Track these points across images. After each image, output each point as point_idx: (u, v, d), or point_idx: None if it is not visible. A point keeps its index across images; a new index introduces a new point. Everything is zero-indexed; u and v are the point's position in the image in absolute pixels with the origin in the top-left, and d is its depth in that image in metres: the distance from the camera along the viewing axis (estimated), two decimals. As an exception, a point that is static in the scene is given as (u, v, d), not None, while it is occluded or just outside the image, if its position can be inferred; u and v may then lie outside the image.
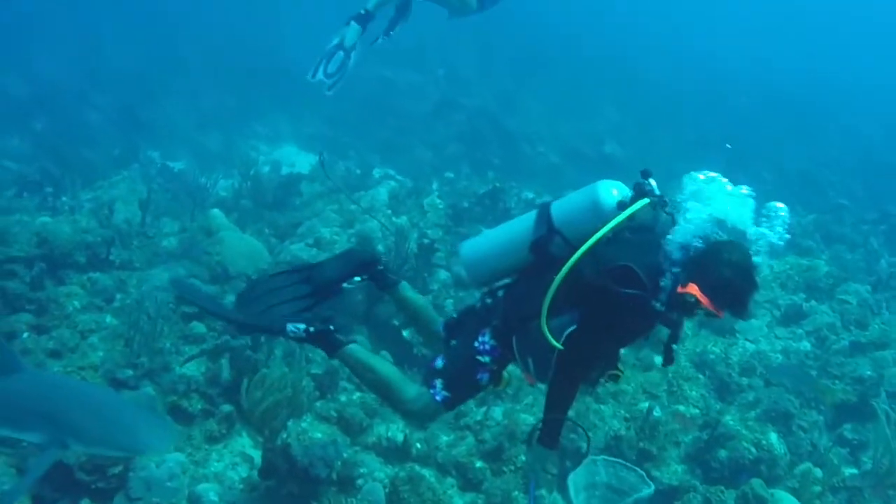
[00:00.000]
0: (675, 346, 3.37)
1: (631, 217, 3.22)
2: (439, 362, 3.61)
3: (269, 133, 15.35)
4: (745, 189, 3.16)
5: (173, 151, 13.45)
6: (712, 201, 3.14)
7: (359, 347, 3.82)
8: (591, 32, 25.14)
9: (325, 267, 4.11)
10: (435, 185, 12.40)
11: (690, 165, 3.47)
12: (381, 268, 4.05)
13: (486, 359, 3.50)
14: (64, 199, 9.63)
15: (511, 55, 21.04)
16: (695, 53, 26.17)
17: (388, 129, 15.99)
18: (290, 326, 3.68)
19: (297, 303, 3.86)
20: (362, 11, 7.00)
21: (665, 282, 3.09)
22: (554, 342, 3.19)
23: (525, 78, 20.47)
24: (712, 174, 3.23)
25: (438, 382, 3.55)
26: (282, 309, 3.76)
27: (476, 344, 3.53)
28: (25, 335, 6.17)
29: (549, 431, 3.41)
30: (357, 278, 4.00)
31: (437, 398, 3.53)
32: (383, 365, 3.82)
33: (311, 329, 3.67)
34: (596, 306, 3.19)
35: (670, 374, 7.58)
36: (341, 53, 7.03)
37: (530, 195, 11.96)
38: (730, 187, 3.16)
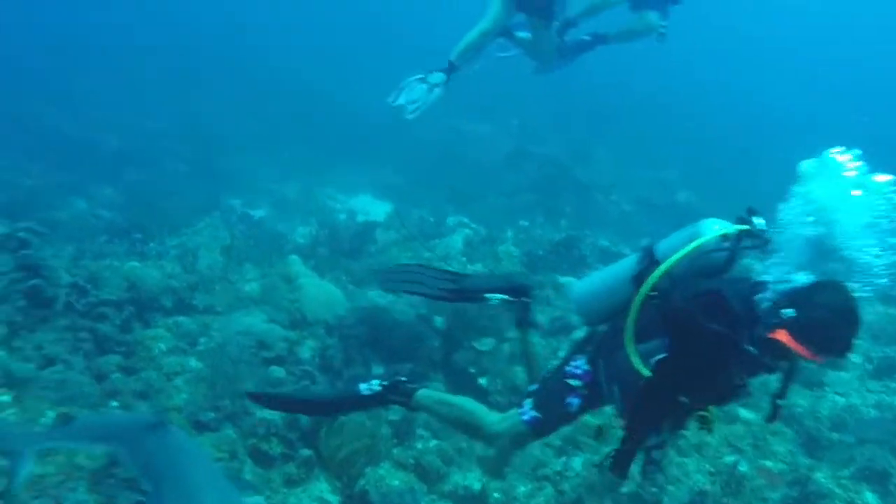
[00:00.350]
0: (780, 402, 3.24)
1: (729, 259, 3.15)
2: (532, 386, 3.62)
3: (344, 182, 15.69)
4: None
5: (253, 200, 13.87)
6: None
7: (431, 390, 3.87)
8: (656, 85, 25.17)
9: (478, 277, 4.27)
10: (509, 234, 12.42)
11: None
12: (528, 301, 4.12)
13: (577, 382, 3.49)
14: (151, 244, 9.96)
15: (582, 107, 21.13)
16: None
17: (461, 178, 16.15)
18: (363, 386, 3.78)
19: (435, 291, 3.99)
20: (447, 64, 7.17)
21: (758, 318, 2.98)
22: (640, 366, 3.14)
23: (596, 128, 20.55)
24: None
25: (527, 402, 3.55)
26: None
27: (568, 368, 3.53)
28: (115, 376, 6.36)
29: (622, 460, 3.33)
30: (502, 296, 4.05)
31: (525, 417, 3.53)
32: (460, 398, 3.85)
33: (385, 383, 3.76)
34: (682, 336, 3.10)
35: (755, 427, 7.31)
36: (424, 86, 7.12)
37: (605, 243, 11.89)
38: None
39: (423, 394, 3.88)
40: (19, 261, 6.74)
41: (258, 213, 12.89)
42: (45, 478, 5.10)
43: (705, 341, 2.98)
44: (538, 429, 3.56)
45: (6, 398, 5.54)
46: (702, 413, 3.24)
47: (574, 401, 3.49)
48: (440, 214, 13.29)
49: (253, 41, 26.97)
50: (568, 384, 3.49)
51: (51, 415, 5.54)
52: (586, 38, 8.23)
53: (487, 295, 4.08)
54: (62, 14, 27.97)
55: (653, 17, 7.79)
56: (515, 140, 18.75)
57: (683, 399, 3.15)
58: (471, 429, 3.75)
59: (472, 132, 19.54)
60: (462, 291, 4.11)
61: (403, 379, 3.96)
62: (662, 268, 3.17)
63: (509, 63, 8.24)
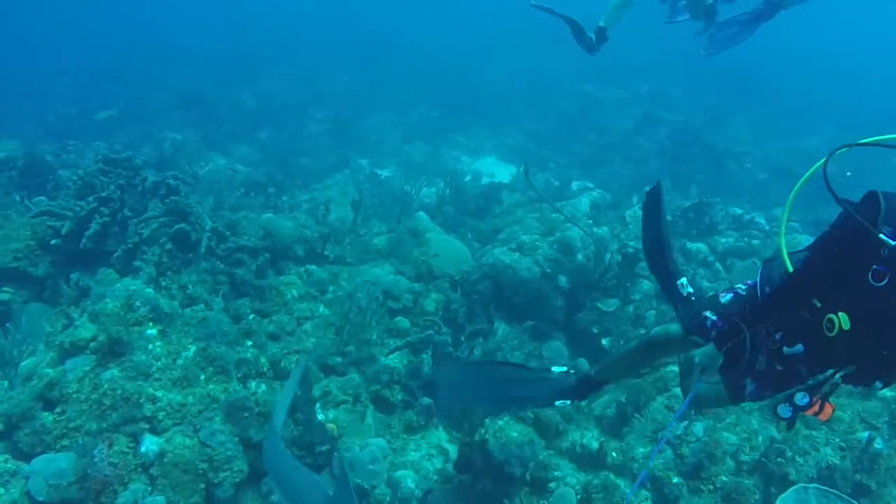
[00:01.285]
0: None
1: None
2: None
3: (471, 145, 15.73)
4: None
5: (381, 160, 14.13)
6: None
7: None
8: (799, 52, 23.74)
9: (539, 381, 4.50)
10: (635, 199, 12.10)
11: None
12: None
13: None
14: (284, 198, 10.36)
15: (718, 75, 20.20)
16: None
17: (589, 143, 15.92)
18: (555, 369, 3.94)
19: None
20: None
21: None
22: (787, 260, 3.00)
23: (733, 97, 19.66)
24: None
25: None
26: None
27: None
28: (251, 317, 6.67)
29: (735, 374, 3.12)
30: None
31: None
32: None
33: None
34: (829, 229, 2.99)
35: (893, 405, 6.84)
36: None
37: (738, 211, 11.38)
38: None
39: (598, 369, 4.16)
40: (169, 206, 7.15)
41: (385, 173, 13.12)
42: (185, 406, 5.45)
43: (846, 233, 2.80)
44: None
45: (153, 331, 5.92)
46: (830, 316, 2.93)
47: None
48: (565, 178, 13.11)
49: (386, 9, 27.49)
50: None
51: (192, 349, 5.88)
52: (761, 6, 7.90)
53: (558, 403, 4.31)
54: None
55: None
56: (646, 106, 18.20)
57: (816, 303, 2.90)
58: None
59: (604, 97, 19.12)
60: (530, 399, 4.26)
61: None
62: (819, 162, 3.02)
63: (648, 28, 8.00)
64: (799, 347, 2.97)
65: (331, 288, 7.48)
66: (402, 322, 7.05)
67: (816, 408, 2.99)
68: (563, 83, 19.29)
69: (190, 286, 6.73)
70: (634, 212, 10.45)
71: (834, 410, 3.06)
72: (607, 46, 7.75)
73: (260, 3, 28.99)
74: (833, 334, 2.75)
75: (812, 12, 7.72)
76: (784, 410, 2.96)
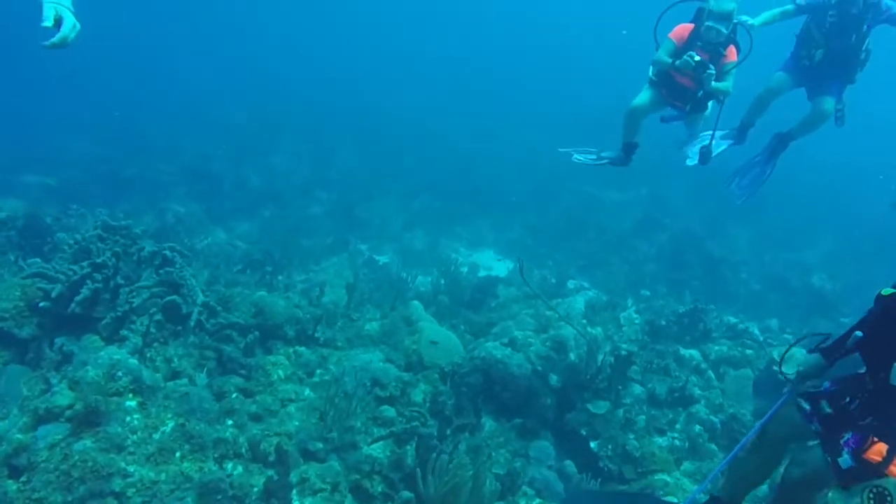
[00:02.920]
0: None
1: None
2: None
3: (470, 237, 15.83)
4: None
5: (380, 246, 14.19)
6: None
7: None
8: (802, 170, 24.22)
9: None
10: (630, 301, 12.12)
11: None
12: None
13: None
14: (280, 277, 10.33)
15: (717, 181, 20.54)
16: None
17: (587, 242, 16.03)
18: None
19: None
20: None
21: None
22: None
23: (732, 204, 19.89)
24: None
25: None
26: None
27: None
28: (235, 395, 6.53)
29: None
30: None
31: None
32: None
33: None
34: None
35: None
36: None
37: (732, 319, 11.37)
38: None
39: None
40: (162, 277, 7.10)
41: (383, 259, 13.15)
42: (157, 483, 5.26)
43: None
44: None
45: (132, 403, 5.77)
46: None
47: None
48: (562, 276, 13.14)
49: (394, 94, 28.23)
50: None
51: (171, 424, 5.73)
52: (774, 141, 8.17)
53: None
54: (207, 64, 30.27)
55: (829, 102, 7.61)
56: (646, 208, 18.44)
57: None
58: None
59: (602, 198, 19.38)
60: None
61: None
62: None
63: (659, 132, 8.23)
64: None
65: (318, 371, 7.35)
66: (388, 411, 6.90)
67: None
68: (565, 180, 19.58)
69: (175, 359, 6.62)
70: (629, 314, 10.43)
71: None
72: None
73: (275, 76, 29.74)
74: None
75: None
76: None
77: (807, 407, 3.53)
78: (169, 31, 35.55)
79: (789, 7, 7.51)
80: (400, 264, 12.65)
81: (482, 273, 13.37)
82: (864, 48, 7.40)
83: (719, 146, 8.09)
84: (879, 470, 3.11)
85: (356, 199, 16.46)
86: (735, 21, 6.78)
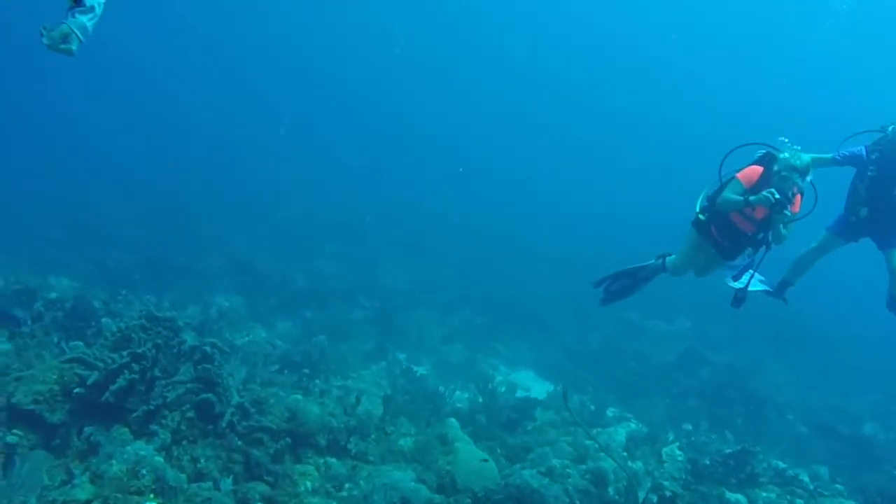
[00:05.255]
0: None
1: None
2: None
3: (509, 355, 15.59)
4: None
5: (419, 357, 14.02)
6: None
7: None
8: (853, 310, 23.71)
9: None
10: (671, 436, 11.65)
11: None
12: None
13: None
14: (317, 381, 10.15)
15: (764, 319, 20.15)
16: None
17: (628, 371, 15.64)
18: None
19: None
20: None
21: None
22: None
23: (778, 343, 19.43)
24: None
25: None
26: None
27: None
28: (258, 504, 6.28)
29: None
30: None
31: None
32: None
33: None
34: None
35: None
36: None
37: (781, 465, 10.80)
38: None
39: None
40: (199, 373, 7.00)
41: (421, 370, 12.93)
42: None
43: None
44: None
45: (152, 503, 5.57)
46: None
47: None
48: (601, 404, 12.75)
49: (437, 199, 28.68)
50: None
51: (190, 531, 5.49)
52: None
53: None
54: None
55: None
56: (689, 342, 18.04)
57: None
58: None
59: (646, 327, 19.07)
60: None
61: None
62: None
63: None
64: None
65: (347, 485, 7.07)
66: (418, 537, 6.56)
67: None
68: (609, 307, 19.36)
69: (202, 460, 6.43)
70: (671, 450, 9.96)
71: None
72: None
73: (322, 175, 30.62)
74: None
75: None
76: None
77: None
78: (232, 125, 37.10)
79: (826, 156, 7.47)
80: (438, 378, 12.41)
81: (520, 393, 13.07)
82: None
83: (756, 286, 7.94)
84: None
85: (396, 308, 16.43)
86: (810, 176, 6.71)
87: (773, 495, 9.25)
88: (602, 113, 47.23)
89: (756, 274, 7.84)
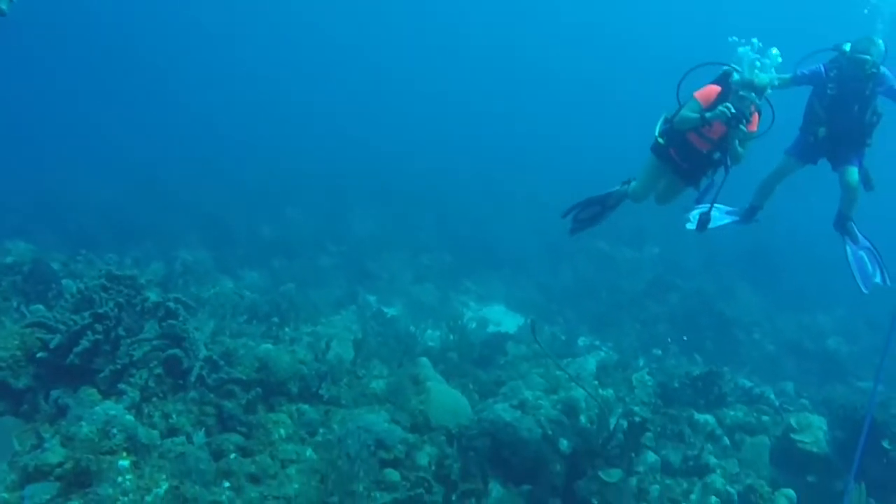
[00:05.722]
0: None
1: None
2: None
3: (480, 291, 15.68)
4: None
5: (390, 299, 14.04)
6: None
7: None
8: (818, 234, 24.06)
9: None
10: (641, 362, 11.90)
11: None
12: None
13: None
14: (287, 329, 10.16)
15: (733, 245, 20.42)
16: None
17: (599, 301, 15.83)
18: None
19: None
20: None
21: None
22: None
23: (746, 268, 19.70)
24: None
25: None
26: None
27: None
28: (233, 455, 6.29)
29: None
30: None
31: None
32: None
33: None
34: None
35: None
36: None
37: (747, 384, 11.07)
38: None
39: None
40: (164, 329, 6.93)
41: (392, 311, 12.98)
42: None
43: None
44: None
45: (125, 463, 5.55)
46: None
47: None
48: (572, 334, 12.93)
49: (408, 147, 28.44)
50: None
51: (164, 486, 5.50)
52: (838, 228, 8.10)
53: None
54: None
55: (852, 172, 7.53)
56: (658, 270, 18.23)
57: None
58: None
59: (615, 256, 19.21)
60: None
61: None
62: None
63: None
64: None
65: (321, 430, 7.10)
66: (392, 475, 6.62)
67: None
68: (578, 238, 19.44)
69: (174, 415, 6.40)
70: (641, 376, 10.14)
71: None
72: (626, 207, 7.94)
73: (291, 129, 30.14)
74: None
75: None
76: None
77: None
78: (191, 83, 36.24)
79: (787, 76, 7.44)
80: (409, 318, 12.47)
81: (491, 328, 13.21)
82: (870, 112, 7.31)
83: (722, 219, 7.99)
84: None
85: (366, 252, 16.40)
86: (767, 95, 6.67)
87: (740, 413, 9.48)
88: (572, 45, 46.69)
89: (721, 206, 7.92)
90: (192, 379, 6.68)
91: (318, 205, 20.32)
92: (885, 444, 8.34)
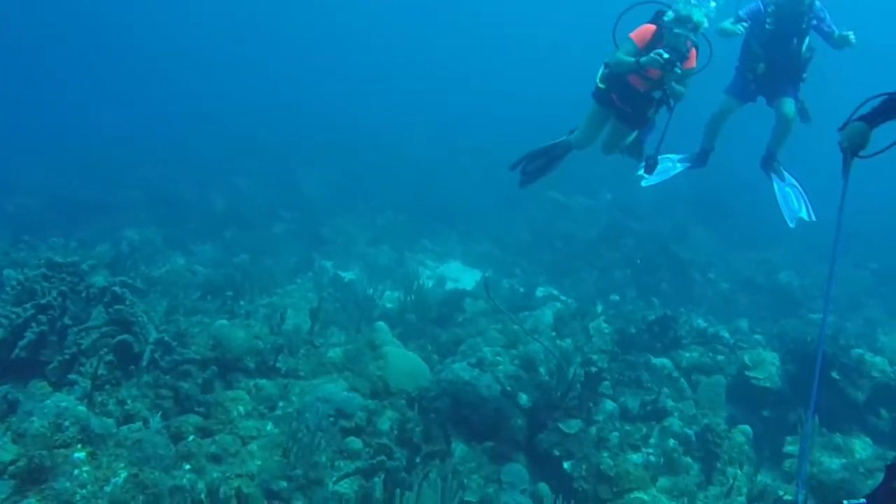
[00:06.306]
0: None
1: None
2: None
3: (437, 249, 15.64)
4: None
5: (346, 263, 13.93)
6: None
7: None
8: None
9: None
10: (600, 308, 12.01)
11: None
12: None
13: None
14: (242, 303, 10.05)
15: (687, 187, 20.61)
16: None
17: (555, 251, 15.89)
18: None
19: None
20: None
21: None
22: None
23: (700, 209, 19.87)
24: None
25: None
26: None
27: None
28: (191, 438, 6.26)
29: None
30: None
31: None
32: None
33: None
34: None
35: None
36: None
37: (702, 324, 11.26)
38: None
39: None
40: (112, 315, 6.82)
41: (349, 276, 12.90)
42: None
43: None
44: None
45: (81, 455, 5.49)
46: None
47: None
48: (531, 286, 13.01)
49: (358, 108, 28.02)
50: None
51: (123, 475, 5.46)
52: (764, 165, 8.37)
53: None
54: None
55: (789, 104, 7.68)
56: (612, 215, 18.36)
57: None
58: None
59: (569, 204, 19.28)
60: None
61: None
62: None
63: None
64: None
65: (281, 404, 7.11)
66: (355, 443, 6.68)
67: None
68: (531, 189, 19.46)
69: (129, 401, 6.34)
70: (598, 324, 10.27)
71: None
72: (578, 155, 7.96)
73: (235, 94, 29.42)
74: None
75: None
76: None
77: None
78: (121, 55, 35.06)
79: (728, 22, 7.51)
80: (366, 281, 12.41)
81: (450, 285, 13.22)
82: (805, 48, 7.44)
83: (675, 168, 8.09)
84: None
85: (320, 217, 16.23)
86: (702, 31, 6.67)
87: (696, 355, 9.65)
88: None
89: (671, 155, 8.01)
90: (145, 363, 6.61)
91: (269, 172, 19.92)
92: (834, 374, 8.60)
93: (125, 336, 6.61)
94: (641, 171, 7.86)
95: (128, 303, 6.93)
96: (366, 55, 40.24)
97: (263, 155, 21.53)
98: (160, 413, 6.35)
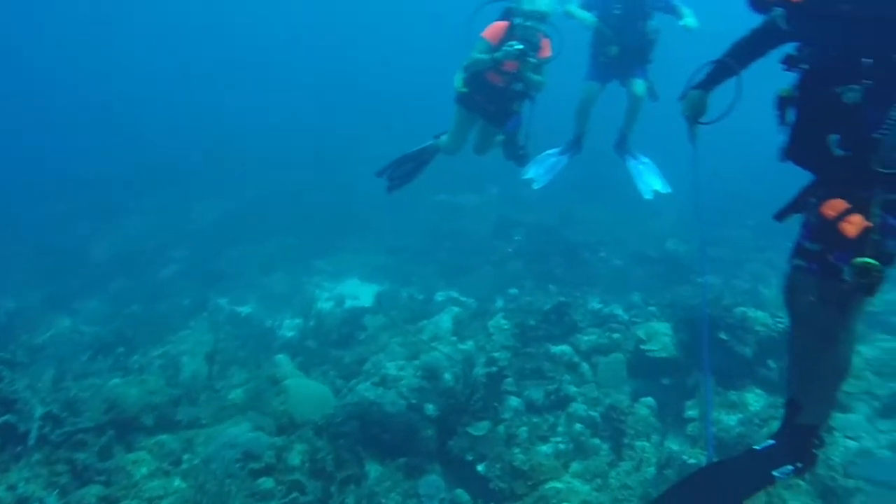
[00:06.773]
0: None
1: None
2: None
3: (331, 269, 15.50)
4: None
5: (242, 296, 13.66)
6: None
7: None
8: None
9: None
10: (500, 303, 12.22)
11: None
12: None
13: None
14: (135, 357, 9.77)
15: (573, 173, 21.12)
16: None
17: (450, 252, 16.04)
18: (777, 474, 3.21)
19: None
20: None
21: None
22: None
23: (588, 190, 20.34)
24: None
25: None
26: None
27: None
28: (94, 510, 6.08)
29: None
30: None
31: None
32: None
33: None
34: None
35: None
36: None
37: (596, 305, 11.62)
38: None
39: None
40: (-10, 396, 6.53)
41: (245, 310, 12.69)
42: None
43: None
44: None
45: (-25, 550, 5.26)
46: None
47: None
48: (430, 291, 13.12)
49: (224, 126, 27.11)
50: None
51: (22, 564, 5.25)
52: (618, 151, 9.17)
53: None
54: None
55: (639, 84, 8.19)
56: (500, 209, 18.68)
57: None
58: None
59: (458, 203, 19.52)
60: None
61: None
62: None
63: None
64: None
65: (186, 456, 6.96)
66: (266, 482, 6.61)
67: None
68: (419, 193, 19.55)
69: (21, 484, 6.09)
70: (497, 321, 10.46)
71: None
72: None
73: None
74: None
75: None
76: None
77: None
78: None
79: (574, 6, 7.88)
80: (264, 313, 12.25)
81: (349, 303, 13.13)
82: (651, 30, 7.93)
83: (561, 162, 8.47)
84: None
85: (209, 252, 15.84)
86: (550, 20, 6.95)
87: (594, 337, 9.94)
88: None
89: (548, 152, 8.34)
90: (32, 441, 6.36)
91: (161, 209, 19.18)
92: (723, 335, 9.05)
93: (7, 417, 6.34)
94: (530, 175, 8.12)
95: (6, 381, 6.64)
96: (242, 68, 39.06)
97: (157, 191, 20.61)
98: (56, 491, 6.13)
